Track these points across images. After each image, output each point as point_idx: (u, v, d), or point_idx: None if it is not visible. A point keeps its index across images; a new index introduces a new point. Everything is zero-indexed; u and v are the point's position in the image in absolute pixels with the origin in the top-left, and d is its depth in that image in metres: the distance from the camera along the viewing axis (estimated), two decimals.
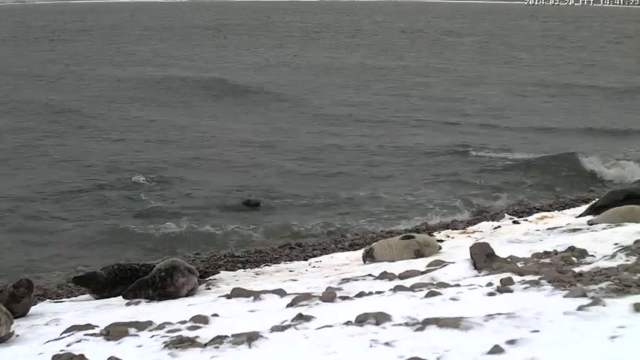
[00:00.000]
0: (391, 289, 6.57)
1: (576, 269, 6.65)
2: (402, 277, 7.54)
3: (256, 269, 10.83)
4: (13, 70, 39.09)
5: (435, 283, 6.83)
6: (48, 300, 9.43)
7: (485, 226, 12.28)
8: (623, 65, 42.53)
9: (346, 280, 7.72)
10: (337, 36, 68.63)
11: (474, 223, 12.86)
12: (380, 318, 5.24)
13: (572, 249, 7.79)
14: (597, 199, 12.63)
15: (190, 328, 5.73)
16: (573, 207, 13.92)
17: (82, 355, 5.03)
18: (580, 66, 43.09)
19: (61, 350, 5.42)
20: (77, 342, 5.72)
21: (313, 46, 56.23)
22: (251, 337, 5.03)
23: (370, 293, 6.62)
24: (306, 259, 11.27)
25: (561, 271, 6.51)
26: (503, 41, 61.82)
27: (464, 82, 35.21)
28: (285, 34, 69.24)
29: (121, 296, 8.66)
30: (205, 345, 5.07)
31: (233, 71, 38.44)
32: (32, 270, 11.53)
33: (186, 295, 8.36)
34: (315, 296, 6.55)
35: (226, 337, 5.14)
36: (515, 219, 12.66)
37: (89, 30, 76.08)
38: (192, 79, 34.56)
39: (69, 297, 9.76)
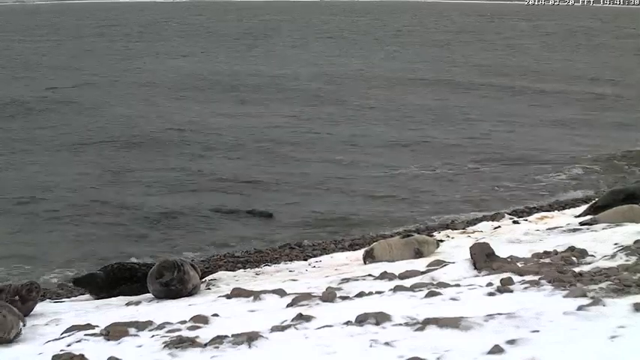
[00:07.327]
0: (391, 289, 6.58)
1: (576, 269, 6.66)
2: (402, 277, 7.55)
3: (256, 269, 10.82)
4: None
5: (435, 283, 6.83)
6: (48, 300, 9.39)
7: (486, 226, 12.28)
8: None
9: (346, 280, 7.73)
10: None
11: (474, 223, 12.85)
12: (380, 318, 5.25)
13: (572, 249, 7.81)
14: (597, 199, 12.64)
15: (190, 328, 5.74)
16: (573, 207, 13.91)
17: (82, 355, 5.03)
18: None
19: (61, 350, 5.43)
20: (77, 342, 5.73)
21: None
22: (251, 337, 5.03)
23: (370, 293, 6.62)
24: (306, 259, 11.26)
25: (561, 271, 6.52)
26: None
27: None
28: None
29: (121, 296, 8.66)
30: (205, 345, 5.08)
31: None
32: (32, 269, 11.53)
33: (188, 294, 8.37)
34: (315, 296, 6.56)
35: (226, 337, 5.14)
36: (515, 219, 12.67)
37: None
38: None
39: (69, 297, 9.75)
